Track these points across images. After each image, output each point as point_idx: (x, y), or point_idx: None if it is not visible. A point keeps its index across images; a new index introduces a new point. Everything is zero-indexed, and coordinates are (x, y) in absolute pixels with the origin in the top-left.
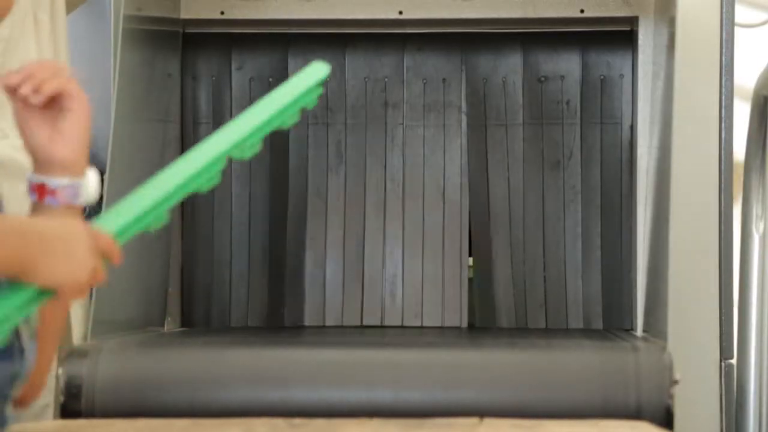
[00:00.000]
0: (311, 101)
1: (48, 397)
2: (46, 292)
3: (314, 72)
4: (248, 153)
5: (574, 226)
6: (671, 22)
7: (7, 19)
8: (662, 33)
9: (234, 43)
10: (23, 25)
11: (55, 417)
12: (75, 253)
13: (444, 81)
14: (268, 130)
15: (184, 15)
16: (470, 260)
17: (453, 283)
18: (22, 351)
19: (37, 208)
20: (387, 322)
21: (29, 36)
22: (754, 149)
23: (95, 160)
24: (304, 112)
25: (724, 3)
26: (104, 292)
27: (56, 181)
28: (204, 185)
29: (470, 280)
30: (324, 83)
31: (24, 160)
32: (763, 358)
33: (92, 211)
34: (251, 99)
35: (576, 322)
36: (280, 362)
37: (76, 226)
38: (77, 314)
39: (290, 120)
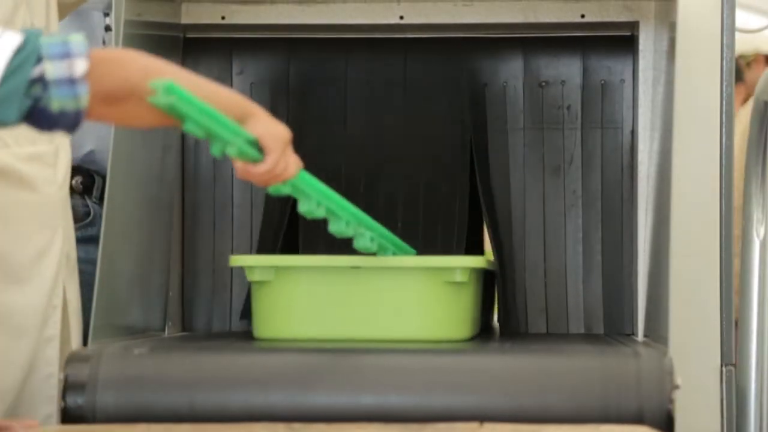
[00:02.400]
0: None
1: (50, 406)
2: (256, 151)
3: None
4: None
5: (574, 230)
6: (672, 27)
7: (8, 28)
8: (663, 38)
9: (235, 48)
10: None
11: (56, 422)
12: (278, 122)
13: (445, 85)
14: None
15: (185, 20)
16: None
17: None
18: None
19: None
20: None
21: None
22: (754, 154)
23: (97, 165)
24: (303, 115)
25: (724, 8)
26: (105, 297)
27: None
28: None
29: None
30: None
31: (24, 169)
32: (763, 363)
33: (95, 216)
34: None
35: (577, 327)
36: (281, 367)
37: None
38: (76, 320)
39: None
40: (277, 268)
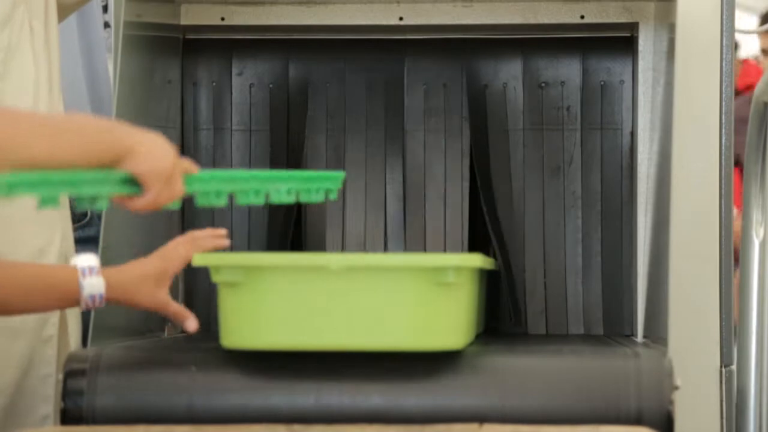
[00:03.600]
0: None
1: (47, 407)
2: (134, 185)
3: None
4: (253, 199)
5: (574, 231)
6: (671, 29)
7: (6, 28)
8: (662, 39)
9: (234, 49)
10: (20, 34)
11: (55, 423)
12: (160, 147)
13: (444, 87)
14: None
15: (185, 21)
16: None
17: None
18: None
19: None
20: None
21: (26, 45)
22: (753, 155)
23: None
24: (303, 117)
25: (724, 9)
26: None
27: None
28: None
29: None
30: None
31: None
32: (763, 364)
33: (92, 216)
34: (251, 105)
35: (576, 327)
36: (280, 368)
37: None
38: (75, 320)
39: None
40: (246, 269)
